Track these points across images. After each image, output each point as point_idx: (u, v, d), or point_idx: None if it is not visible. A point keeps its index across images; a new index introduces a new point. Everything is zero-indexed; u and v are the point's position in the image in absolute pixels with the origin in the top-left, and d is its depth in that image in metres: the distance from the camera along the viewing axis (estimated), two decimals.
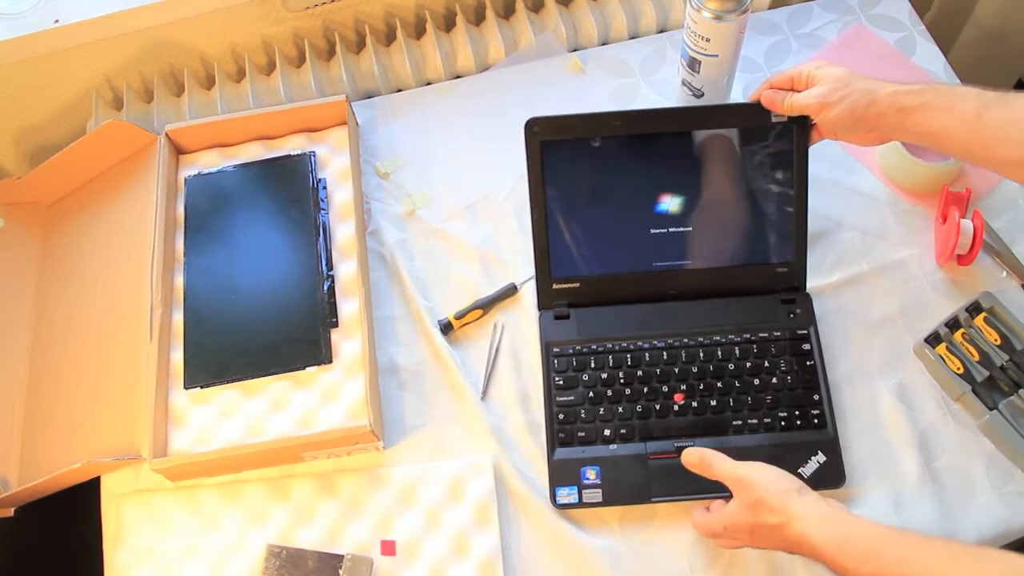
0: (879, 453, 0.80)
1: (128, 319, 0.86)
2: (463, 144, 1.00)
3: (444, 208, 0.96)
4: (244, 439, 0.81)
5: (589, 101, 1.01)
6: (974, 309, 0.84)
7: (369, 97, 1.06)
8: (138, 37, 1.00)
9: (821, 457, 0.78)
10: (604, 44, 1.08)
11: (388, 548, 0.78)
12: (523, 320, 0.88)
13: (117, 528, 0.80)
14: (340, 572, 0.76)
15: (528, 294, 0.89)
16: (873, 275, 0.88)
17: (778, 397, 0.81)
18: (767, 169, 0.83)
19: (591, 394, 0.82)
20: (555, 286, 0.86)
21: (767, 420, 0.80)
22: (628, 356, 0.83)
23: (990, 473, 0.79)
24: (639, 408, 0.81)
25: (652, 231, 0.85)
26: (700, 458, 0.73)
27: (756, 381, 0.82)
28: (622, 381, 0.82)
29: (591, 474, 0.79)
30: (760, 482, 0.68)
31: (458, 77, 1.07)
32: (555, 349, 0.84)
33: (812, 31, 1.05)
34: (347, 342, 0.85)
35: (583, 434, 0.81)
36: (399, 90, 1.07)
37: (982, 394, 0.80)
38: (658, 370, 0.83)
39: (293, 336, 0.85)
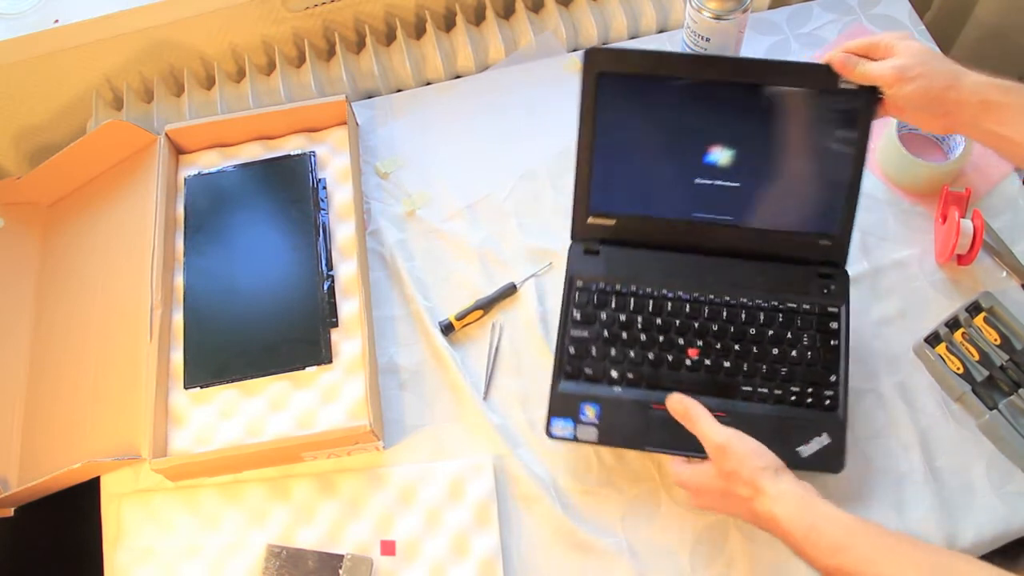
0: (879, 453, 0.80)
1: (128, 319, 0.86)
2: (463, 144, 1.00)
3: (444, 208, 0.96)
4: (244, 439, 0.81)
5: None
6: (974, 309, 0.84)
7: (369, 97, 1.06)
8: (138, 37, 1.00)
9: (825, 439, 0.76)
10: (604, 44, 1.08)
11: (388, 548, 0.78)
12: (523, 319, 0.88)
13: (117, 528, 0.80)
14: (340, 572, 0.76)
15: (528, 293, 0.89)
16: (873, 275, 0.88)
17: (794, 371, 0.79)
18: (825, 136, 0.79)
19: (606, 333, 0.81)
20: (590, 220, 0.84)
21: (778, 392, 0.78)
22: (650, 302, 0.82)
23: (990, 473, 0.79)
24: (651, 356, 0.80)
25: (697, 180, 0.82)
26: (685, 409, 0.72)
27: (775, 351, 0.80)
28: (640, 326, 0.81)
29: (590, 412, 0.78)
30: (736, 453, 0.67)
31: (458, 77, 1.07)
32: (579, 283, 0.83)
33: (812, 31, 1.05)
34: (347, 342, 0.85)
35: (590, 371, 0.80)
36: (399, 90, 1.07)
37: (982, 394, 0.80)
38: (678, 322, 0.81)
39: (293, 336, 0.85)
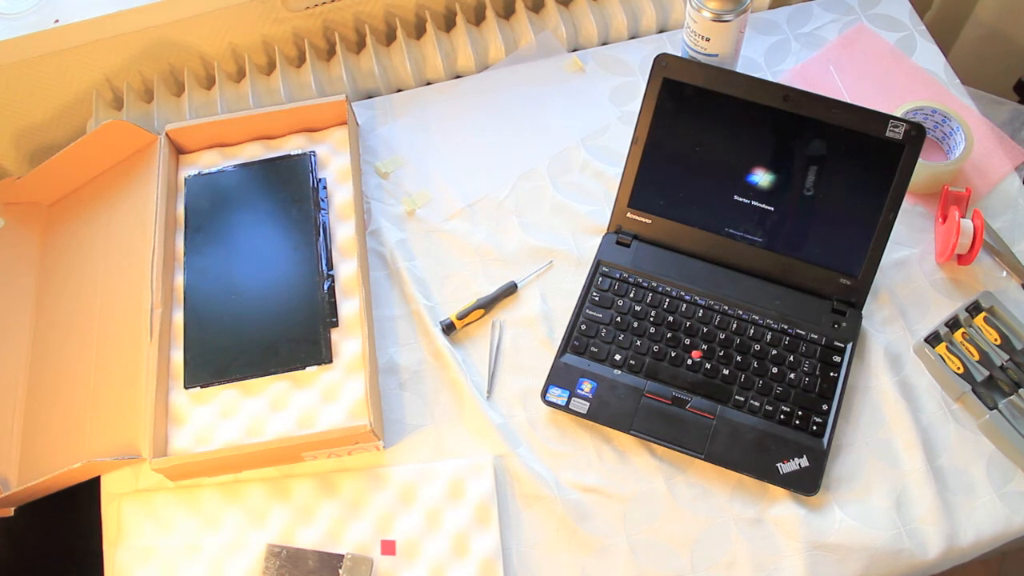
0: (879, 452, 0.80)
1: (128, 319, 0.86)
2: (463, 144, 1.00)
3: (444, 208, 0.96)
4: (244, 439, 0.81)
5: (589, 100, 1.01)
6: (974, 309, 0.84)
7: (369, 97, 1.06)
8: (138, 37, 1.00)
9: (804, 462, 0.78)
10: (604, 44, 1.08)
11: (388, 548, 0.78)
12: (524, 318, 0.88)
13: (117, 528, 0.80)
14: (340, 572, 0.76)
15: (529, 292, 0.89)
16: None
17: (788, 392, 0.81)
18: (863, 180, 0.82)
19: (619, 319, 0.85)
20: (629, 215, 0.89)
21: (768, 408, 0.81)
22: (667, 300, 0.86)
23: (990, 473, 0.79)
24: (656, 349, 0.84)
25: (735, 198, 0.86)
26: None
27: (775, 369, 0.82)
28: (652, 319, 0.85)
29: (586, 386, 0.82)
30: None
31: (458, 77, 1.07)
32: (604, 268, 0.88)
33: (812, 31, 1.05)
34: (347, 342, 0.85)
35: (595, 350, 0.84)
36: (399, 90, 1.07)
37: (982, 394, 0.80)
38: (688, 323, 0.85)
39: (293, 336, 0.85)
